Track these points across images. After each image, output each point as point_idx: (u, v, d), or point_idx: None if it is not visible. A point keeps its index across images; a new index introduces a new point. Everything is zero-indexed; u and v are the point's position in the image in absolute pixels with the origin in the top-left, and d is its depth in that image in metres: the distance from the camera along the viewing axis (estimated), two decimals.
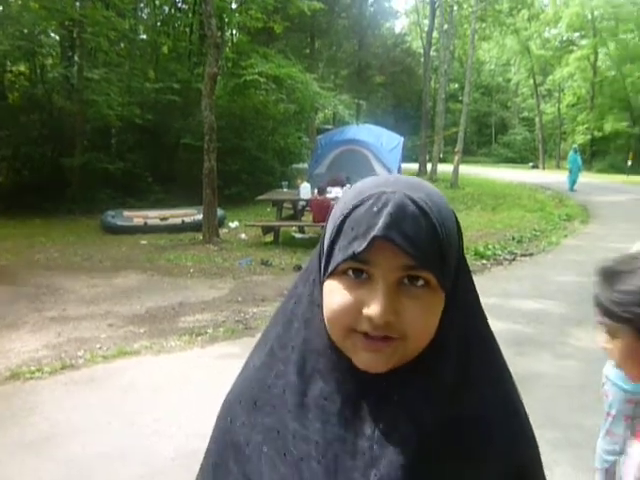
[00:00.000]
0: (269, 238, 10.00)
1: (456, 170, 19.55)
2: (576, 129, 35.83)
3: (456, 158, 19.85)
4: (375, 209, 0.65)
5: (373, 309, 0.64)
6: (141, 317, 5.87)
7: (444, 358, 0.70)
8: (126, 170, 13.23)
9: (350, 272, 0.67)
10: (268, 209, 12.82)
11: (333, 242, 0.68)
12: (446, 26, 22.42)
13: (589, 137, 34.21)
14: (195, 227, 10.30)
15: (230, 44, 16.88)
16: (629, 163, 25.89)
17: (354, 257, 0.65)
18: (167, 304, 6.30)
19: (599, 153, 34.92)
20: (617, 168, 28.96)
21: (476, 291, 0.76)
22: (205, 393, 3.98)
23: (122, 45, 15.52)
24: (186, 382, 4.25)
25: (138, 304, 6.30)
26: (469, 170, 25.16)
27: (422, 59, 28.81)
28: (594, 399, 2.89)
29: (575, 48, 37.48)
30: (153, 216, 10.72)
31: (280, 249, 9.38)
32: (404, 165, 16.01)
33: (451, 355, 0.70)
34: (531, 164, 37.12)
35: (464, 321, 0.72)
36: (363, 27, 25.04)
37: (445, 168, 22.42)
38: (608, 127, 32.09)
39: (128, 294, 6.72)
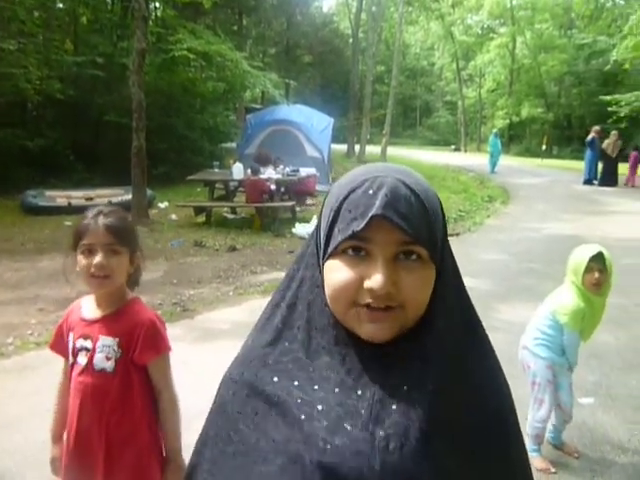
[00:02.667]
0: (201, 219, 9.87)
1: (384, 152, 19.94)
2: (496, 114, 37.35)
3: (384, 140, 20.24)
4: (371, 192, 0.73)
5: (374, 281, 0.72)
6: (72, 301, 5.64)
7: (436, 328, 0.77)
8: (46, 147, 12.55)
9: (350, 251, 0.74)
10: (198, 189, 12.60)
11: (332, 224, 0.75)
12: (374, 8, 22.59)
13: (507, 121, 35.73)
14: (123, 207, 9.92)
15: (154, 17, 16.27)
16: (544, 147, 27.30)
17: (354, 236, 0.72)
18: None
19: (516, 137, 36.61)
20: (533, 152, 30.45)
21: (456, 264, 0.84)
22: None
23: (36, 14, 14.59)
24: None
25: (68, 287, 6.03)
26: (396, 152, 25.70)
27: (350, 40, 28.93)
28: (522, 370, 3.11)
29: (495, 35, 38.85)
30: (78, 196, 10.28)
31: (213, 230, 9.28)
32: (333, 146, 16.16)
33: (442, 325, 0.78)
34: (453, 147, 38.34)
35: (451, 292, 0.81)
36: (292, 5, 24.81)
37: (373, 149, 22.78)
38: (525, 112, 33.64)
39: (56, 277, 6.44)
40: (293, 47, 30.32)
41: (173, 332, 4.70)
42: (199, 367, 4.12)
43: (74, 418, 1.75)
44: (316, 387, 0.77)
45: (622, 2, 36.68)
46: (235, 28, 20.79)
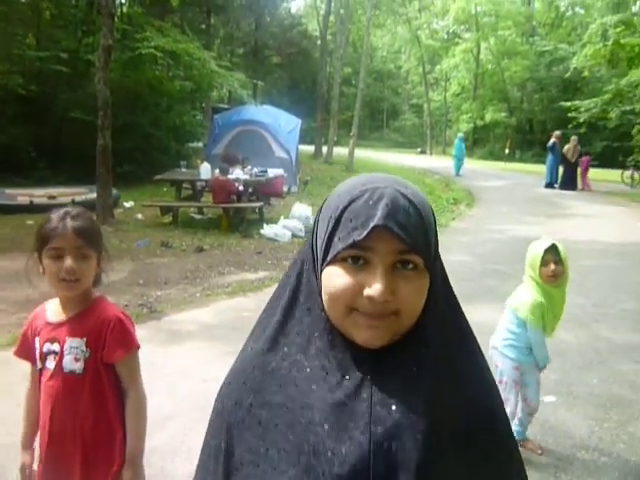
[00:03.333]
0: (167, 219, 9.76)
1: (351, 153, 20.02)
2: (460, 117, 37.96)
3: (351, 142, 20.31)
4: (371, 202, 0.75)
5: (374, 289, 0.74)
6: (35, 302, 5.46)
7: (428, 333, 0.80)
8: (6, 144, 12.19)
9: (349, 259, 0.76)
10: (165, 189, 12.45)
11: (332, 233, 0.77)
12: (342, 11, 22.70)
13: (472, 125, 36.37)
14: (87, 207, 9.48)
15: (120, 14, 16.00)
16: (507, 151, 27.89)
17: (355, 245, 0.74)
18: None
19: (480, 141, 37.27)
20: (496, 155, 31.11)
21: (445, 271, 0.87)
22: None
23: None
24: None
25: (30, 288, 5.91)
26: (363, 154, 25.86)
27: (318, 42, 29.01)
28: (493, 368, 3.18)
29: (460, 41, 39.54)
30: (40, 195, 10.02)
31: (180, 230, 9.19)
32: (301, 147, 16.18)
33: (434, 330, 0.80)
34: (419, 149, 38.79)
35: (442, 298, 0.83)
36: (260, 6, 24.74)
37: (340, 151, 22.88)
38: (488, 117, 34.32)
39: (17, 278, 6.28)
40: (261, 48, 30.21)
41: (140, 333, 4.62)
42: (167, 368, 4.08)
43: (46, 423, 1.72)
44: (314, 387, 0.78)
45: (582, 11, 37.80)
46: (203, 27, 20.62)
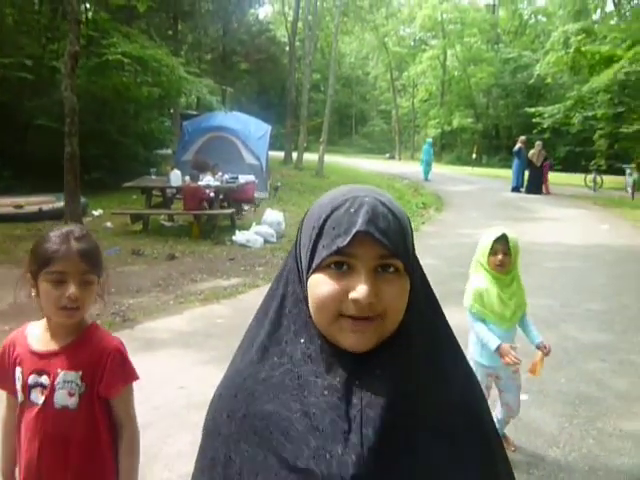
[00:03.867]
0: (138, 227, 9.65)
1: (321, 159, 20.11)
2: (428, 123, 38.46)
3: (321, 148, 20.41)
4: (352, 210, 0.79)
5: (359, 292, 0.77)
6: (4, 313, 5.40)
7: (411, 335, 0.83)
8: None
9: (333, 266, 0.79)
10: (134, 196, 12.29)
11: (316, 241, 0.80)
12: (310, 17, 22.82)
13: (440, 131, 36.89)
14: (55, 215, 9.59)
15: (85, 20, 15.80)
16: (474, 156, 28.38)
17: (338, 251, 0.78)
18: (32, 298, 5.87)
19: (448, 146, 37.82)
20: (463, 160, 31.59)
21: (424, 273, 0.91)
22: None
23: None
24: None
25: None
26: (332, 159, 25.99)
27: (287, 48, 29.09)
28: None
29: (427, 47, 40.12)
30: (5, 204, 9.78)
31: (150, 238, 9.10)
32: (270, 153, 16.18)
33: (416, 331, 0.84)
34: (388, 155, 39.14)
35: (422, 300, 0.87)
36: (228, 12, 24.67)
37: (309, 157, 22.97)
38: (456, 122, 34.84)
39: None
40: (229, 54, 30.12)
41: None
42: (142, 377, 4.02)
43: (33, 459, 1.57)
44: (306, 393, 0.80)
45: (544, 19, 38.78)
46: (170, 33, 20.46)
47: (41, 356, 1.58)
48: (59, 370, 1.56)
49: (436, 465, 0.79)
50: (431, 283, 0.92)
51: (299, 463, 0.77)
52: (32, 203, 9.97)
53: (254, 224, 9.38)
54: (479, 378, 2.88)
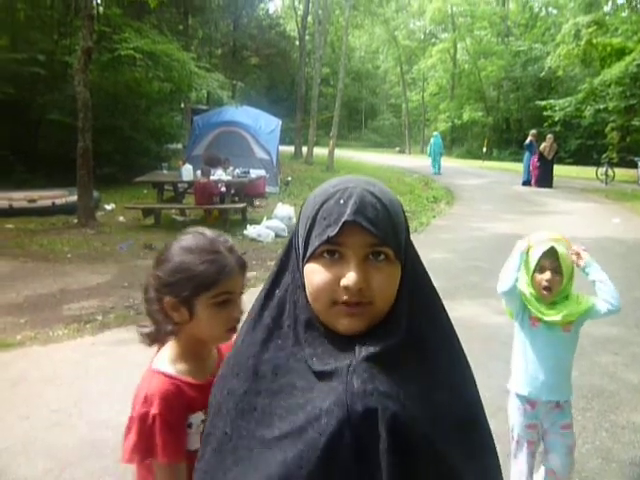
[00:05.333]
0: (149, 221, 9.72)
1: (331, 154, 20.10)
2: (438, 117, 38.28)
3: (331, 142, 20.38)
4: (342, 201, 0.84)
5: (349, 279, 0.82)
6: (19, 306, 5.51)
7: (403, 317, 0.86)
8: None
9: (325, 254, 0.84)
10: (145, 190, 12.38)
11: (309, 231, 0.85)
12: (320, 12, 22.78)
13: (450, 124, 36.70)
14: (67, 210, 9.71)
15: (97, 15, 15.86)
16: (484, 149, 28.24)
17: (329, 240, 0.82)
18: (47, 292, 5.97)
19: (458, 140, 37.62)
20: (474, 154, 31.43)
21: (420, 260, 0.94)
22: (104, 381, 3.91)
23: None
24: (81, 371, 4.12)
25: (14, 292, 5.89)
26: (342, 154, 25.98)
27: (297, 42, 29.04)
28: (475, 365, 3.26)
29: (437, 41, 39.88)
30: (19, 198, 9.90)
31: (162, 232, 9.13)
32: (280, 148, 16.20)
33: (407, 314, 0.87)
34: (397, 149, 39.05)
35: (416, 285, 0.90)
36: (238, 7, 24.68)
37: (319, 151, 22.95)
38: (466, 116, 34.64)
39: (0, 282, 6.26)
40: (239, 48, 30.14)
41: (128, 335, 4.67)
42: None
43: None
44: (311, 375, 0.84)
45: (555, 12, 38.40)
46: (181, 28, 20.49)
47: (210, 384, 1.35)
48: None
49: (419, 460, 0.80)
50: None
51: (294, 428, 0.80)
52: (45, 197, 10.08)
53: (265, 218, 9.42)
54: (517, 429, 2.44)
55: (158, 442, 1.24)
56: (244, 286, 1.36)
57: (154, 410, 1.25)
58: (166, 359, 1.35)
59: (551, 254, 2.34)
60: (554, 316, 2.37)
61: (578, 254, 2.41)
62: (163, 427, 1.25)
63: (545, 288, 2.35)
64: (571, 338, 2.46)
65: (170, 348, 1.37)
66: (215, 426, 0.90)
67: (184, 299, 1.29)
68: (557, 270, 2.33)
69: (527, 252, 2.42)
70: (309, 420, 0.80)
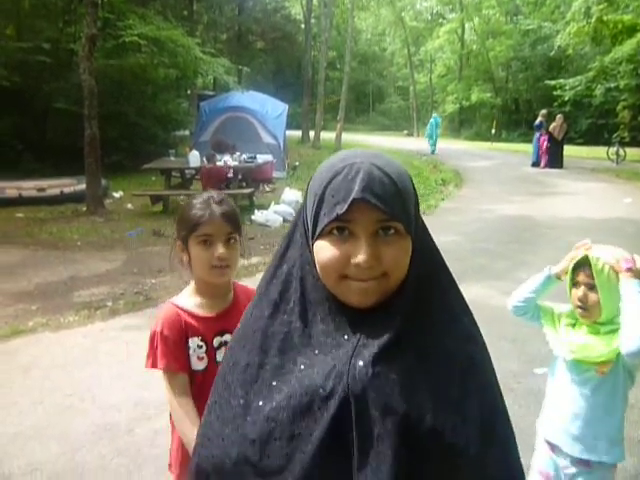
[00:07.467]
0: (158, 208, 9.75)
1: (339, 138, 20.02)
2: (446, 98, 37.90)
3: (338, 126, 20.32)
4: (350, 177, 0.83)
5: (360, 257, 0.82)
6: (30, 294, 5.57)
7: (413, 290, 0.87)
8: None
9: (335, 231, 0.84)
10: (153, 177, 12.41)
11: (318, 209, 0.85)
12: None
13: (458, 106, 36.35)
14: (76, 198, 9.76)
15: (101, 2, 15.79)
16: (493, 131, 27.97)
17: (338, 218, 0.82)
18: (57, 279, 6.02)
19: (467, 121, 37.28)
20: (482, 136, 31.12)
21: (429, 233, 0.94)
22: (115, 365, 3.96)
23: None
24: (93, 356, 4.17)
25: (25, 280, 5.95)
26: (350, 137, 25.82)
27: (303, 26, 28.79)
28: None
29: (445, 21, 39.35)
30: (28, 187, 9.96)
31: (171, 218, 9.11)
32: (288, 132, 16.14)
33: (417, 287, 0.87)
34: (405, 131, 38.75)
35: (426, 258, 0.90)
36: None
37: (327, 135, 22.84)
38: (474, 97, 34.26)
39: (11, 270, 6.32)
40: (245, 33, 29.96)
41: (138, 321, 4.73)
42: None
43: None
44: (317, 352, 0.85)
45: None
46: (186, 13, 20.35)
47: (216, 318, 1.67)
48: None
49: (415, 386, 0.82)
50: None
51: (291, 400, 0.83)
52: (54, 186, 10.14)
53: (273, 203, 9.42)
54: (532, 467, 2.08)
55: (158, 353, 1.63)
56: (229, 233, 1.63)
57: (158, 328, 1.64)
58: (182, 294, 1.72)
59: (583, 265, 1.92)
60: (581, 352, 1.93)
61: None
62: (162, 341, 1.62)
63: (579, 307, 1.95)
64: (611, 382, 1.94)
65: (188, 287, 1.73)
66: (219, 394, 0.92)
67: (183, 239, 1.64)
68: (591, 285, 1.90)
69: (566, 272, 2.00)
70: (308, 396, 0.81)
